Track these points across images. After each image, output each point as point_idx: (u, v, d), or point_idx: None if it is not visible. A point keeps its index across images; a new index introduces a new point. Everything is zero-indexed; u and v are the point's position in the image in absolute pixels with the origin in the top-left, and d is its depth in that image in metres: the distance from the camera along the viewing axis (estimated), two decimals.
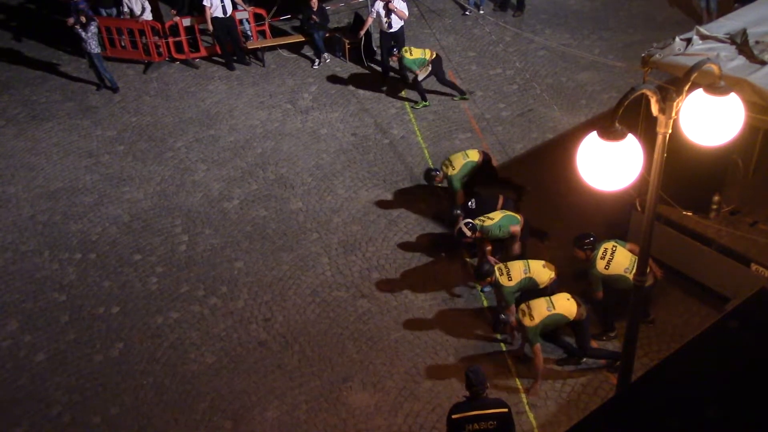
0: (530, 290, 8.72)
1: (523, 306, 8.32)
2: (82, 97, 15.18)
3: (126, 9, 15.76)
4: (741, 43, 8.65)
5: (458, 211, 9.93)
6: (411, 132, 13.17)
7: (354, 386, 8.75)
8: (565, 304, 8.25)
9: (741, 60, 8.47)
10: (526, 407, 8.30)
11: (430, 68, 13.40)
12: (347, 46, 15.44)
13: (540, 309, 8.18)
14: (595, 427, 4.01)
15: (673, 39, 8.90)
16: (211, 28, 15.21)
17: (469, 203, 10.07)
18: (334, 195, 11.84)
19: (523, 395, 8.42)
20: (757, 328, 4.31)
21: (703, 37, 8.96)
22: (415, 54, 13.35)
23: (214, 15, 15.03)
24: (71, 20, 14.54)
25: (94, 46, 14.64)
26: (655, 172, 5.14)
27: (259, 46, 15.89)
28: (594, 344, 8.78)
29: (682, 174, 8.50)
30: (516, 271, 8.76)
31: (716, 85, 4.73)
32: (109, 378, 9.19)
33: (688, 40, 8.88)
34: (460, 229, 9.41)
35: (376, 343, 9.25)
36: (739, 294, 8.33)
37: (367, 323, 9.56)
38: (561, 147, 11.90)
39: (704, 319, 8.81)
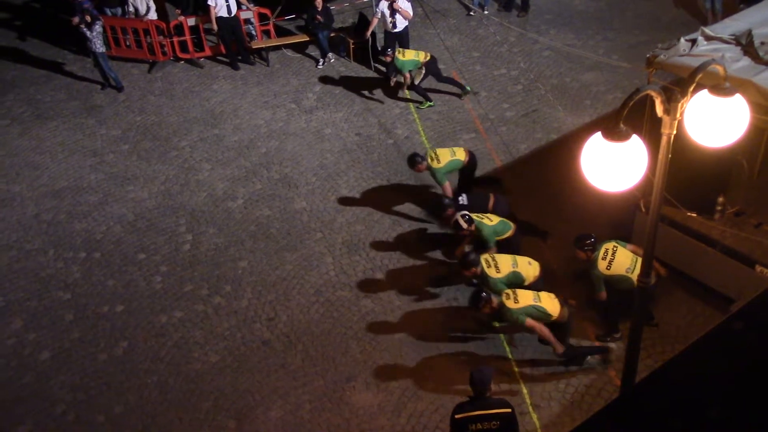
0: (516, 286, 8.68)
1: (508, 291, 8.31)
2: (87, 96, 15.21)
3: (131, 8, 15.80)
4: (746, 44, 8.65)
5: (448, 201, 9.95)
6: (415, 132, 13.17)
7: (357, 386, 8.76)
8: (550, 302, 8.26)
9: (746, 61, 8.47)
10: (530, 408, 8.29)
11: (424, 71, 13.39)
12: (352, 46, 15.45)
13: (526, 297, 8.18)
14: (598, 428, 4.02)
15: (678, 40, 8.89)
16: (215, 27, 15.23)
17: (460, 199, 10.07)
18: (338, 195, 11.85)
19: (527, 396, 8.42)
20: (761, 330, 4.31)
21: (708, 38, 8.95)
22: (407, 56, 13.34)
23: (219, 14, 15.05)
24: (76, 19, 14.56)
25: (98, 46, 14.67)
26: (659, 173, 5.14)
27: (263, 45, 15.90)
28: (595, 344, 8.81)
29: (686, 175, 8.50)
30: (504, 264, 8.76)
31: (721, 86, 4.73)
32: (114, 377, 9.21)
33: (693, 41, 8.87)
34: (457, 220, 9.38)
35: (379, 343, 9.26)
36: (744, 295, 8.33)
37: (370, 323, 9.56)
38: (565, 148, 11.89)
39: (708, 321, 8.80)
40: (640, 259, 8.36)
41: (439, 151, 10.78)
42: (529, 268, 8.87)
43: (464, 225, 9.36)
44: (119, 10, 16.33)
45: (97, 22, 14.57)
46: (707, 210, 9.14)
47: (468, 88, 13.83)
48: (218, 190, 12.23)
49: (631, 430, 3.82)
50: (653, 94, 4.73)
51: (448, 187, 10.66)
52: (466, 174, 10.96)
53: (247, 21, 15.99)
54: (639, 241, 9.34)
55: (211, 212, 11.76)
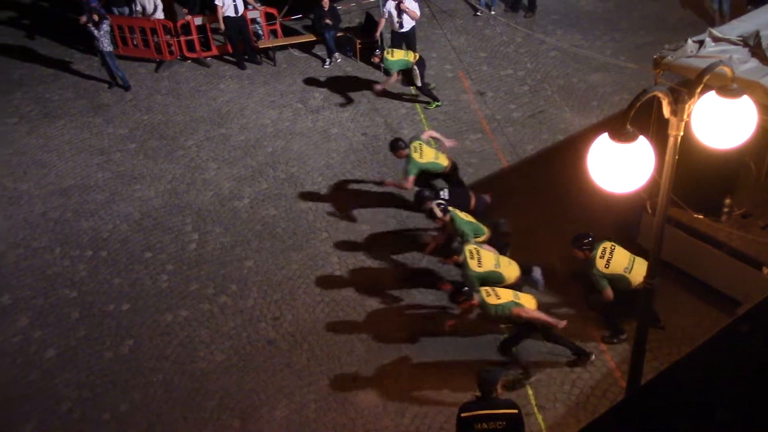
0: (492, 284, 8.61)
1: (488, 288, 8.25)
2: (94, 95, 15.26)
3: (138, 7, 15.84)
4: (754, 45, 8.61)
5: (428, 194, 9.92)
6: (421, 132, 13.13)
7: (362, 386, 8.76)
8: (530, 301, 8.22)
9: (754, 62, 8.44)
10: (535, 409, 8.28)
11: (416, 69, 13.31)
12: (358, 46, 15.46)
13: (507, 294, 8.13)
14: (603, 429, 4.00)
15: (686, 41, 8.86)
16: (222, 27, 15.26)
17: (442, 193, 10.04)
18: (344, 194, 11.84)
19: (532, 397, 8.41)
20: None
21: (716, 39, 8.92)
22: (396, 56, 13.29)
23: (226, 14, 15.08)
24: (84, 18, 14.62)
25: (106, 45, 14.70)
26: (666, 174, 5.13)
27: (270, 45, 15.93)
28: (602, 347, 8.78)
29: (693, 177, 8.47)
30: (487, 260, 8.74)
31: (729, 88, 4.71)
32: (119, 375, 9.23)
33: (701, 42, 8.84)
34: (432, 209, 9.29)
35: (385, 343, 9.26)
36: (751, 298, 8.29)
37: (376, 323, 9.56)
38: (572, 148, 11.86)
39: (714, 323, 8.77)
40: (637, 259, 8.39)
41: (425, 147, 10.76)
42: (510, 269, 8.87)
43: (439, 214, 9.26)
44: (126, 9, 16.37)
45: (105, 21, 14.61)
46: (714, 212, 9.11)
47: (438, 103, 13.73)
48: (224, 189, 12.25)
49: (636, 431, 3.81)
50: (660, 95, 4.72)
51: (412, 181, 10.57)
52: (444, 178, 10.91)
53: (254, 20, 16.02)
54: (645, 242, 9.33)
55: (217, 211, 11.78)
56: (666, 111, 4.80)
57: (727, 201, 9.03)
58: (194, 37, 15.85)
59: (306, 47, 16.10)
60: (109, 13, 15.46)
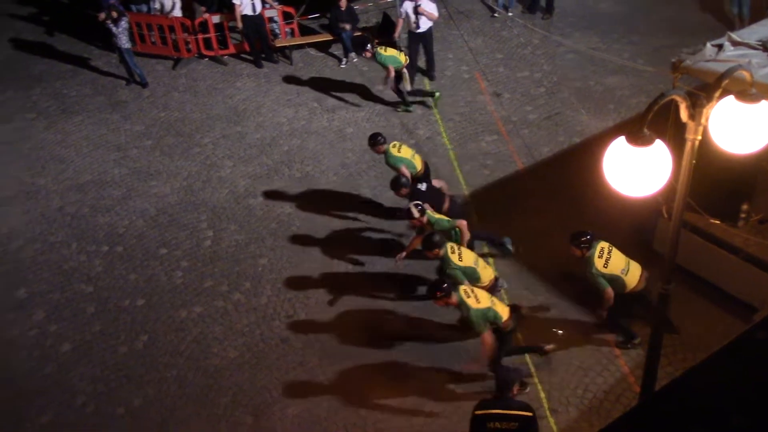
0: (471, 282, 8.55)
1: (467, 287, 8.11)
2: (112, 91, 15.37)
3: (157, 5, 15.94)
4: None
5: (405, 180, 9.97)
6: (437, 133, 13.16)
7: (375, 385, 8.77)
8: (502, 306, 8.15)
9: None
10: (547, 412, 8.26)
11: (405, 72, 13.30)
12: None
13: (485, 298, 8.03)
14: None
15: (704, 45, 8.80)
16: (240, 25, 15.32)
17: (420, 185, 10.03)
18: (358, 194, 11.86)
19: (545, 400, 8.39)
20: None
21: (735, 44, 8.85)
22: (389, 52, 13.28)
23: (244, 13, 15.14)
24: (102, 15, 14.72)
25: (124, 42, 14.80)
26: (683, 179, 5.11)
27: (287, 44, 15.98)
28: (616, 352, 8.73)
29: (710, 181, 8.41)
30: (467, 257, 8.72)
31: (747, 93, 4.69)
32: (134, 370, 9.30)
33: (720, 46, 8.78)
34: (410, 209, 9.27)
35: (398, 343, 9.26)
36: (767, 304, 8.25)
37: (390, 323, 9.58)
38: (588, 151, 11.80)
39: (729, 329, 8.70)
40: (632, 262, 8.34)
41: (404, 146, 10.83)
42: (486, 270, 8.87)
43: (416, 214, 9.24)
44: (145, 7, 16.49)
45: (123, 18, 14.71)
46: (731, 217, 9.05)
47: (410, 109, 13.74)
48: (240, 187, 12.30)
49: None
50: (678, 98, 4.70)
51: (405, 170, 10.54)
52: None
53: (272, 19, 16.07)
54: (661, 247, 9.28)
55: (232, 209, 11.84)
56: (684, 115, 4.78)
57: (745, 206, 8.96)
58: (212, 35, 15.93)
59: (322, 46, 16.14)
60: (127, 11, 15.58)
